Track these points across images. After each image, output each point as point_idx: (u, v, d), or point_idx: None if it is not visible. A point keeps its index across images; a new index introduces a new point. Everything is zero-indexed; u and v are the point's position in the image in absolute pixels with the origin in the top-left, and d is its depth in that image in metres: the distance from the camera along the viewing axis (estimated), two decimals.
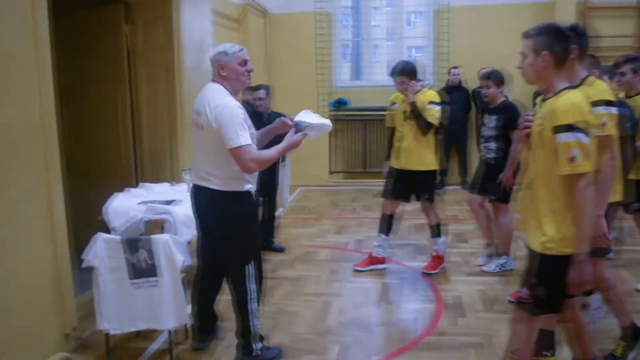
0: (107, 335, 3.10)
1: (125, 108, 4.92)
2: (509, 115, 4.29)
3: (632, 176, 3.77)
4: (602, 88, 2.86)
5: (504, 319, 3.50)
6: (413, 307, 4.06)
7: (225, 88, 2.91)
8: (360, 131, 8.62)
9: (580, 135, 2.18)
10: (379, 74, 8.82)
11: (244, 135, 2.76)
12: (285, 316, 3.86)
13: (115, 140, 4.96)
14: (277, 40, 8.43)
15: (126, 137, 4.95)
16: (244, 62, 2.94)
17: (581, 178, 2.20)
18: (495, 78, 4.43)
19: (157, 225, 3.76)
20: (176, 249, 3.03)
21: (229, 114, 2.77)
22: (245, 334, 3.02)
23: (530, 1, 7.96)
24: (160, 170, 5.03)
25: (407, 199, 4.73)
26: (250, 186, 3.00)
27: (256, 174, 3.02)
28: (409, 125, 4.48)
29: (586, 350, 2.73)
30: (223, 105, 2.79)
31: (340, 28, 8.82)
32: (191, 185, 3.17)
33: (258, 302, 3.07)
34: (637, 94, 3.92)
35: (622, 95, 3.95)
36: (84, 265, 3.04)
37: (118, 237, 3.06)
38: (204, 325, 3.37)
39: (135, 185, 4.54)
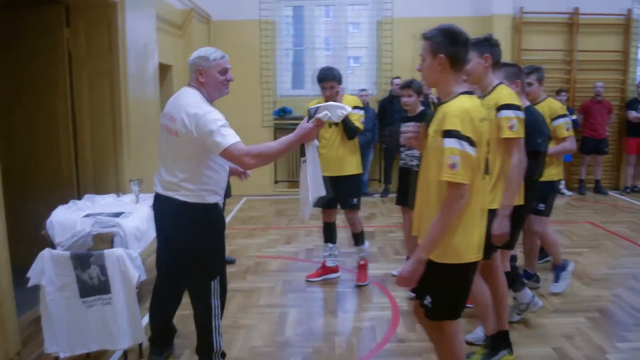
0: (56, 358, 2.90)
1: (66, 116, 4.65)
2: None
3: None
4: (509, 93, 2.99)
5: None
6: (370, 315, 4.05)
7: (202, 94, 2.78)
8: None
9: (465, 144, 2.13)
10: None
11: (230, 134, 2.61)
12: (241, 330, 3.76)
13: (54, 150, 4.68)
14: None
15: (67, 146, 4.68)
16: (225, 71, 2.82)
17: (455, 188, 2.14)
18: (416, 87, 4.43)
19: (105, 239, 3.58)
20: (131, 263, 2.89)
21: (212, 119, 2.61)
22: (208, 350, 2.90)
23: (469, 15, 8.28)
24: (104, 182, 4.78)
25: (335, 206, 4.69)
26: (219, 198, 2.88)
27: (224, 184, 2.91)
28: (334, 132, 4.47)
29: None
30: (202, 112, 2.64)
31: (284, 37, 8.80)
32: (154, 194, 2.97)
33: (221, 318, 2.96)
34: (541, 102, 4.19)
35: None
36: (30, 284, 2.83)
37: (67, 253, 2.88)
38: (162, 338, 3.22)
39: (76, 198, 4.31)
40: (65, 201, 3.87)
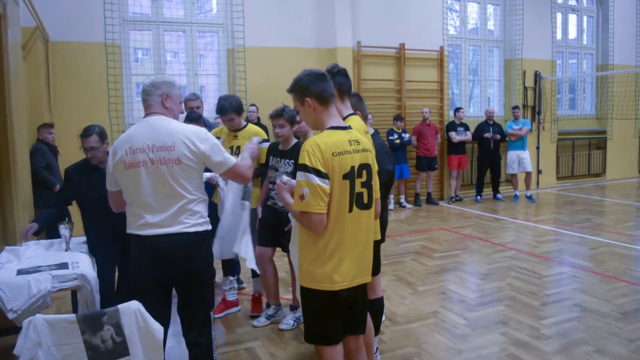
0: None
1: None
2: None
3: None
4: None
5: None
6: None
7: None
8: None
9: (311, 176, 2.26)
10: None
11: (226, 152, 2.77)
12: None
13: None
14: (61, 71, 7.35)
15: None
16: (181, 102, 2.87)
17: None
18: (288, 116, 3.93)
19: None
20: (150, 316, 2.49)
21: (213, 138, 2.72)
22: None
23: (315, 47, 8.82)
24: None
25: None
26: None
27: None
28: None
29: None
30: (204, 133, 2.68)
31: (131, 62, 8.18)
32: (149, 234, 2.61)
33: None
34: None
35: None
36: None
37: (72, 316, 2.35)
38: None
39: None
40: None
